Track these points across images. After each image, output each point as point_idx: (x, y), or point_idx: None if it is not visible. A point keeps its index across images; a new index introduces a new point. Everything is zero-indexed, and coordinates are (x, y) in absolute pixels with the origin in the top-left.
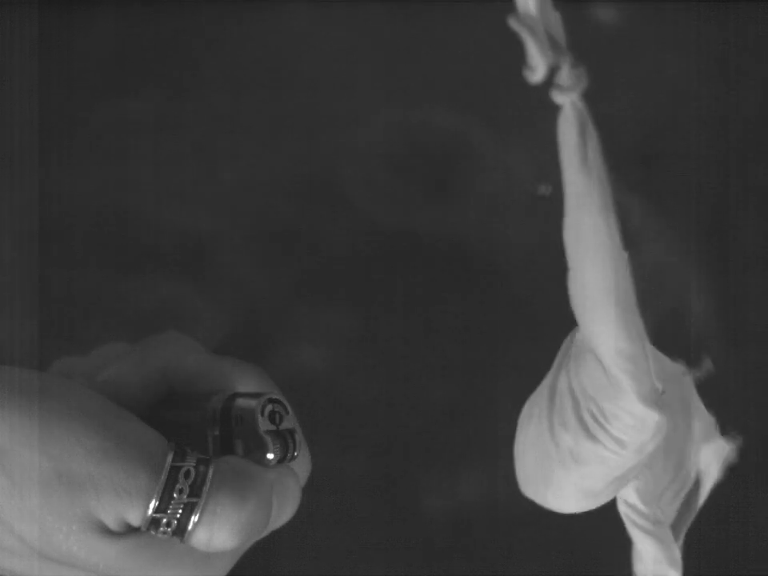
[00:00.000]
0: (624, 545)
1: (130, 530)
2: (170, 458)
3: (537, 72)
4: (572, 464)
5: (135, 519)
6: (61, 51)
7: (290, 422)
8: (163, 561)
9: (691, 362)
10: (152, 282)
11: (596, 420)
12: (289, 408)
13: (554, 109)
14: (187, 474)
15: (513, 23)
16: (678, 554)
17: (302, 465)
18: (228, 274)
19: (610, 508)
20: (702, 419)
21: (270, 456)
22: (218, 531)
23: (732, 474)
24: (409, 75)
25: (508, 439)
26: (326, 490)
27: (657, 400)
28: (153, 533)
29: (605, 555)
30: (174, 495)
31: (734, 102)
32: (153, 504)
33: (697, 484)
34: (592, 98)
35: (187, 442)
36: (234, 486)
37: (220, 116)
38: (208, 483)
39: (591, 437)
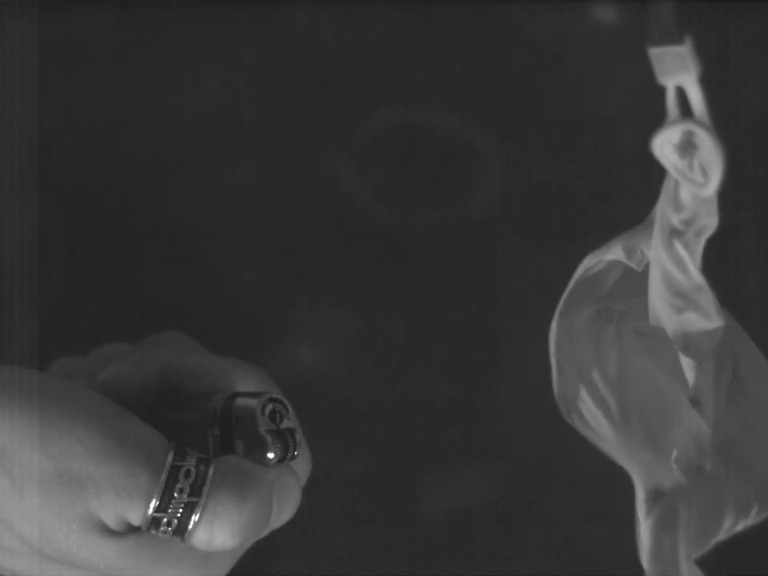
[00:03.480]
0: (624, 545)
1: (130, 530)
2: (170, 457)
3: (712, 183)
4: None
5: (136, 519)
6: (61, 51)
7: (290, 421)
8: (163, 560)
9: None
10: (152, 281)
11: None
12: (289, 407)
13: (554, 109)
14: (188, 474)
15: (695, 127)
16: None
17: (302, 464)
18: (228, 274)
19: (610, 508)
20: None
21: (271, 455)
22: (218, 531)
23: None
24: (409, 75)
25: (508, 439)
26: (326, 490)
27: None
28: (153, 532)
29: (605, 555)
30: (175, 495)
31: (734, 101)
32: (153, 503)
33: None
34: (592, 98)
35: (187, 441)
36: (235, 486)
37: (220, 116)
38: (208, 483)
39: None
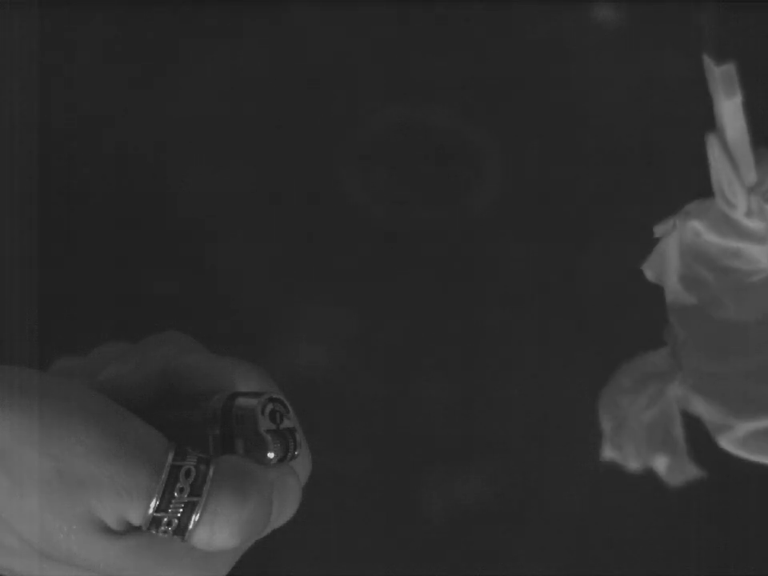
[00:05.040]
0: (624, 545)
1: (130, 530)
2: (170, 457)
3: (739, 204)
4: None
5: (136, 518)
6: (61, 51)
7: (290, 421)
8: (164, 560)
9: None
10: (152, 282)
11: None
12: (289, 407)
13: (554, 109)
14: (188, 473)
15: (714, 148)
16: None
17: (302, 464)
18: (228, 273)
19: (610, 508)
20: None
21: (271, 455)
22: (218, 530)
23: (732, 474)
24: (409, 75)
25: (508, 439)
26: (326, 489)
27: None
28: (153, 532)
29: (605, 555)
30: (175, 494)
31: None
32: (153, 503)
33: None
34: (592, 98)
35: (187, 441)
36: (235, 485)
37: (220, 116)
38: (209, 482)
39: None
